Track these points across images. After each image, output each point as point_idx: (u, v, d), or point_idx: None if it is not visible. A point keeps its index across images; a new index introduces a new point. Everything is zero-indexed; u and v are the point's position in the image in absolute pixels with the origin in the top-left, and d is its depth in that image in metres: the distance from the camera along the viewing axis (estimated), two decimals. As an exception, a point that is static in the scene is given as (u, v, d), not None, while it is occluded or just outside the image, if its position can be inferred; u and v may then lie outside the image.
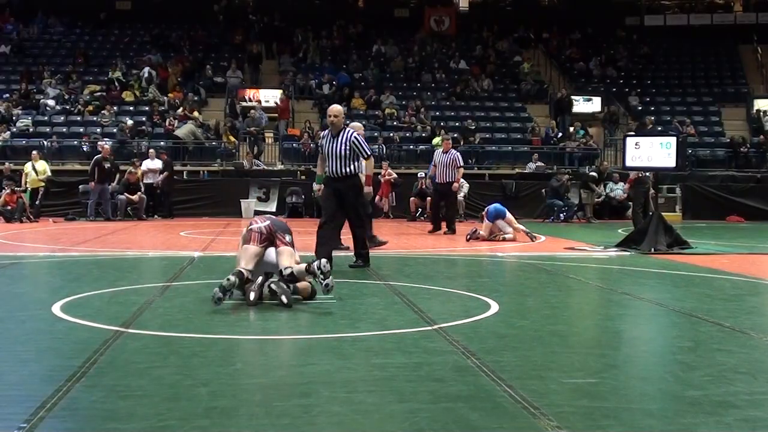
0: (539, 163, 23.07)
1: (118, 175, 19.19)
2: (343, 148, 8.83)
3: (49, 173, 19.54)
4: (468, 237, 13.28)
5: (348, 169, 8.87)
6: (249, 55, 27.96)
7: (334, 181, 8.95)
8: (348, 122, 11.95)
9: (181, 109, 24.43)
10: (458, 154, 15.14)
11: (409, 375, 4.23)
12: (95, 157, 18.78)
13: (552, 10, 33.09)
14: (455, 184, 14.67)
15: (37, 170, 19.15)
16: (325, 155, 9.00)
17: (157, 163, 19.94)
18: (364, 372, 4.28)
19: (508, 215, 13.48)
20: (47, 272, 9.21)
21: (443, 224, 14.99)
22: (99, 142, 20.61)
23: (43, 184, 19.18)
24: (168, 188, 19.99)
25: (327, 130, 9.23)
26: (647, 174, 13.71)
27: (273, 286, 6.33)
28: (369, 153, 9.07)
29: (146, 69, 26.39)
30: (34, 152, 19.79)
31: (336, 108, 9.24)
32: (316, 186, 9.44)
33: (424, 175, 20.46)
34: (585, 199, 20.59)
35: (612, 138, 25.47)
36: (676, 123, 25.79)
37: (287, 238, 6.55)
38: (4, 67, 27.35)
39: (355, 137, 8.96)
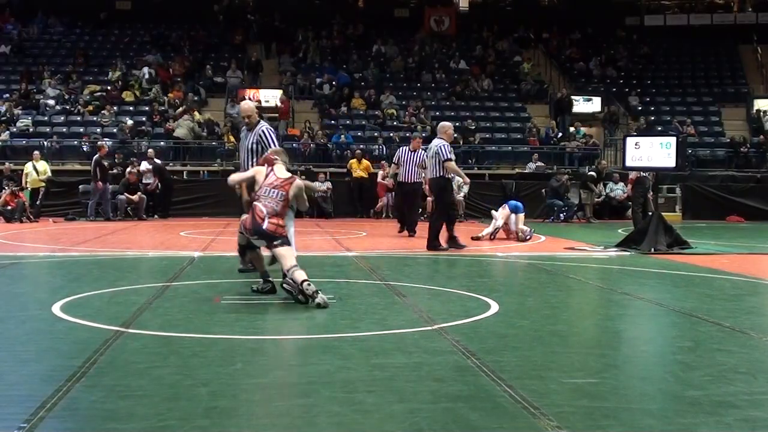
0: (539, 163, 23.07)
1: (126, 174, 19.19)
2: (251, 141, 8.78)
3: (50, 173, 19.55)
4: (479, 236, 13.41)
5: (253, 164, 8.72)
6: (248, 62, 27.94)
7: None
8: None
9: (181, 108, 24.43)
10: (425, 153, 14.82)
11: (409, 375, 4.23)
12: (94, 157, 18.79)
13: (552, 10, 33.08)
14: (426, 186, 14.24)
15: (37, 170, 19.16)
16: (239, 150, 9.07)
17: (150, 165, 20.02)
18: (364, 372, 4.28)
19: (521, 214, 13.64)
20: (47, 272, 9.21)
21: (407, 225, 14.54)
22: (99, 142, 20.61)
23: (43, 184, 19.19)
24: (162, 189, 20.02)
25: (244, 128, 9.18)
26: (647, 174, 13.70)
27: (286, 286, 6.56)
28: (276, 146, 8.97)
29: (146, 69, 26.40)
30: (36, 152, 19.81)
31: (249, 107, 9.15)
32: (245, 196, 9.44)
33: (423, 174, 20.51)
34: (585, 199, 20.59)
35: (612, 138, 25.47)
36: (676, 123, 25.79)
37: (276, 242, 6.65)
38: (4, 67, 27.35)
39: (263, 130, 8.90)
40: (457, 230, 14.72)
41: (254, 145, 8.72)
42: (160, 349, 4.84)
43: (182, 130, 22.96)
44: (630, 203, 21.43)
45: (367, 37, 30.54)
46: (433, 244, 11.51)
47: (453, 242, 11.65)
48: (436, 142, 11.72)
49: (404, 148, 14.81)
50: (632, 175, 14.65)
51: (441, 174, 11.42)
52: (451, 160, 11.42)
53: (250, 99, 25.77)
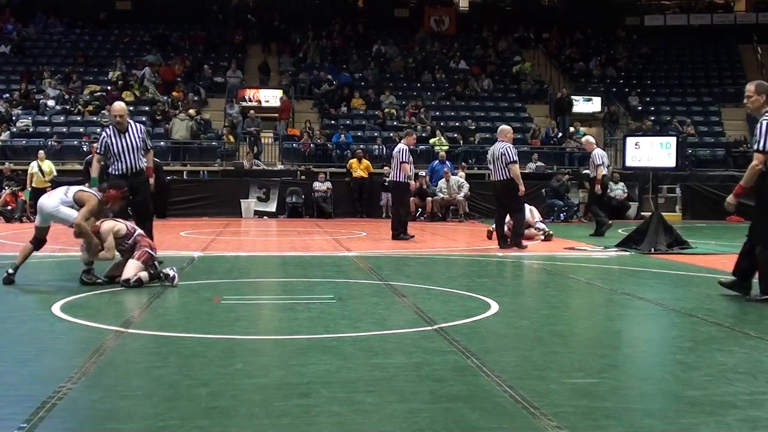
0: (539, 163, 23.07)
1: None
2: (137, 141, 8.94)
3: (55, 173, 19.54)
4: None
5: (141, 164, 9.03)
6: (261, 66, 27.84)
7: (128, 178, 8.80)
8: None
9: (179, 110, 24.40)
10: (405, 148, 13.80)
11: (409, 375, 4.23)
12: (86, 157, 18.83)
13: (552, 10, 33.10)
14: (414, 183, 14.15)
15: (43, 171, 19.13)
16: (114, 153, 8.93)
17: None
18: (364, 372, 4.28)
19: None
20: (47, 272, 9.20)
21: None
22: (94, 144, 20.58)
23: (48, 184, 19.19)
24: (157, 188, 20.01)
25: (110, 130, 9.13)
26: (608, 173, 14.13)
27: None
28: (151, 145, 9.43)
29: (147, 69, 26.41)
30: (41, 152, 19.78)
31: (123, 107, 9.24)
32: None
33: (424, 174, 20.51)
34: (583, 199, 20.59)
35: (612, 138, 25.47)
36: (676, 123, 25.79)
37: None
38: (4, 67, 27.35)
39: (144, 130, 9.19)
40: (457, 230, 14.75)
41: (141, 144, 8.98)
42: (160, 349, 4.84)
43: (181, 132, 22.91)
44: (630, 203, 21.55)
45: (367, 37, 30.56)
46: (516, 241, 11.78)
47: (503, 242, 11.91)
48: (499, 145, 11.92)
49: (402, 145, 13.93)
50: (597, 174, 14.85)
51: (509, 176, 11.70)
52: (516, 162, 11.76)
53: (250, 99, 25.93)
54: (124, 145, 8.89)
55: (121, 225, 7.75)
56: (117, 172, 8.90)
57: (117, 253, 7.67)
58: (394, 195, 14.18)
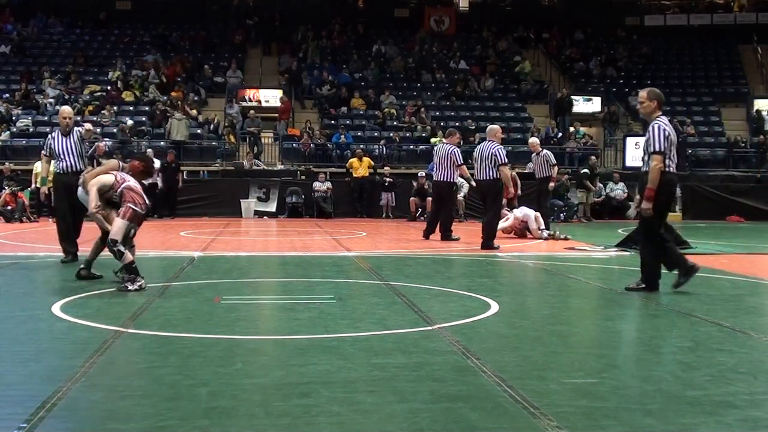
0: (539, 163, 23.04)
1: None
2: (74, 144, 9.65)
3: None
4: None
5: (81, 165, 9.59)
6: (288, 70, 27.68)
7: (69, 176, 9.47)
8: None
9: (174, 111, 24.37)
10: (457, 149, 13.28)
11: (409, 375, 4.23)
12: (89, 151, 18.84)
13: (552, 10, 33.10)
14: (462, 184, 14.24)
15: (49, 170, 19.11)
16: (57, 153, 9.67)
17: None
18: (364, 372, 4.28)
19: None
20: (47, 272, 9.20)
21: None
22: (96, 143, 20.60)
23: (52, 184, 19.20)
24: (172, 187, 20.15)
25: (56, 132, 9.94)
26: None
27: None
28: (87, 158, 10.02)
29: (151, 70, 26.43)
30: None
31: (70, 110, 10.24)
32: (44, 188, 10.09)
33: (423, 174, 20.50)
34: (580, 198, 20.59)
35: (612, 138, 25.47)
36: (676, 123, 25.77)
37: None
38: (4, 67, 27.36)
39: (81, 134, 9.80)
40: (457, 230, 14.74)
41: (81, 147, 9.71)
42: (160, 349, 4.83)
43: (181, 133, 22.90)
44: (630, 203, 21.55)
45: (367, 37, 30.56)
46: (487, 244, 11.79)
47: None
48: (488, 145, 11.96)
49: (455, 147, 13.29)
50: (553, 173, 15.53)
51: (497, 176, 11.78)
52: (507, 164, 11.88)
53: (250, 99, 25.92)
54: (66, 146, 9.65)
55: (108, 177, 7.69)
56: (59, 171, 9.71)
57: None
58: (442, 195, 13.52)
